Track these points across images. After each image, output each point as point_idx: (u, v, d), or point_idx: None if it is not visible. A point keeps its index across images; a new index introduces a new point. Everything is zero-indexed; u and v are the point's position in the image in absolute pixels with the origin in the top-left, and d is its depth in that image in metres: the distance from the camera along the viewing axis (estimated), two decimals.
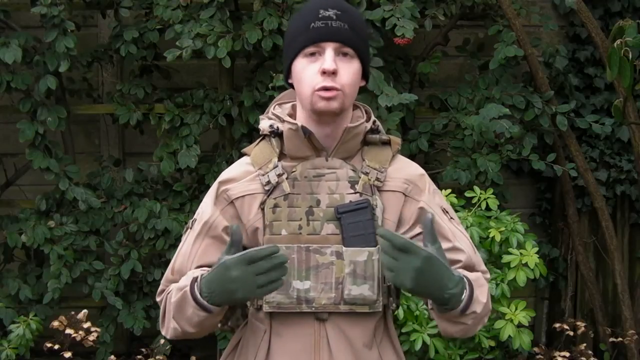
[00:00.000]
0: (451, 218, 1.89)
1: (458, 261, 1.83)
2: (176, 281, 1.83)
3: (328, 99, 1.74)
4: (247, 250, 1.66)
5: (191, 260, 1.83)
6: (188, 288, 1.73)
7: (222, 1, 3.74)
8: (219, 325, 1.95)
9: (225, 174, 1.87)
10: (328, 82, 1.73)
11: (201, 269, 1.80)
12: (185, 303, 1.73)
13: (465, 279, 1.74)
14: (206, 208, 1.85)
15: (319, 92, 1.74)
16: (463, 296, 1.71)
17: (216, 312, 1.73)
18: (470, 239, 1.91)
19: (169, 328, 1.82)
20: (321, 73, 1.73)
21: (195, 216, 1.88)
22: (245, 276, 1.65)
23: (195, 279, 1.73)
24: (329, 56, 1.74)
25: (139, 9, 4.12)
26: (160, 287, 1.89)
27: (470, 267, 1.85)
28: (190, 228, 1.87)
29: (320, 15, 1.75)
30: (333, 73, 1.73)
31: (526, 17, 4.24)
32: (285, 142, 1.82)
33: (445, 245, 1.79)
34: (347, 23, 1.75)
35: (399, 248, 1.63)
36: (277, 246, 1.67)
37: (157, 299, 1.89)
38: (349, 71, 1.76)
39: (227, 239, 1.80)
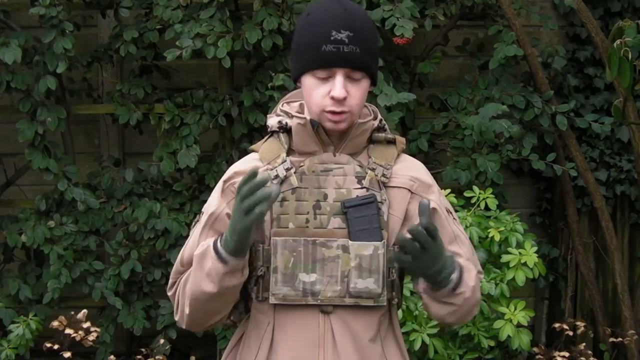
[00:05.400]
0: (454, 219, 1.93)
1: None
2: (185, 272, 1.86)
3: (336, 121, 1.78)
4: None
5: None
6: (211, 242, 1.77)
7: (222, 1, 3.75)
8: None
9: (233, 168, 1.89)
10: (337, 107, 1.76)
11: None
12: (205, 257, 1.76)
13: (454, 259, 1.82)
14: (212, 201, 1.87)
15: (328, 114, 1.77)
16: (454, 275, 1.78)
17: (231, 265, 1.74)
18: (469, 239, 1.96)
19: (183, 314, 1.85)
20: (330, 98, 1.76)
21: (202, 210, 1.90)
22: (237, 206, 1.69)
23: (220, 235, 1.78)
24: (339, 83, 1.75)
25: (139, 9, 4.13)
26: (171, 281, 1.91)
27: None
28: (198, 221, 1.89)
29: (332, 38, 1.74)
30: (343, 99, 1.75)
31: (526, 17, 4.25)
32: (293, 137, 1.84)
33: (447, 248, 1.84)
34: (359, 46, 1.75)
35: (432, 235, 1.70)
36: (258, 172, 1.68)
37: (169, 293, 1.91)
38: (357, 92, 1.78)
39: None
